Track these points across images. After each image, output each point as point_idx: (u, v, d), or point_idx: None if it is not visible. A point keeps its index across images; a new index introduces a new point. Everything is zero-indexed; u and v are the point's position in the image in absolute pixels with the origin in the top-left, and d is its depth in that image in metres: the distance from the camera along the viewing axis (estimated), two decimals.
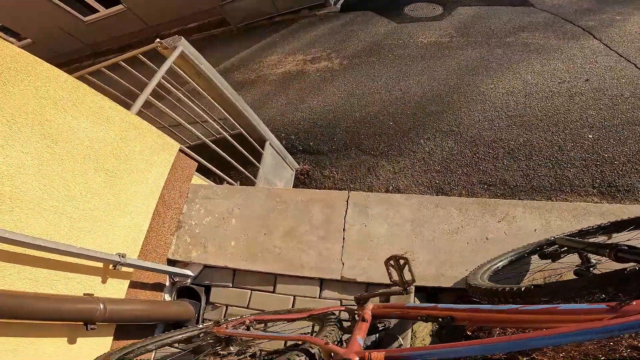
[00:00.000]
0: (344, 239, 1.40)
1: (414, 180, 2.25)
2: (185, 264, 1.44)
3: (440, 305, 0.72)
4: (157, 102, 1.59)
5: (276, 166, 2.47)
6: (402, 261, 0.76)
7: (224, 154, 1.83)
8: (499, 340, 0.56)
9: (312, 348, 0.80)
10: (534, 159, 2.18)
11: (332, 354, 0.73)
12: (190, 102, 1.82)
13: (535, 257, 1.26)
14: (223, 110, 2.02)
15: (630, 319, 0.51)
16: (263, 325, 1.14)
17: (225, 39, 4.92)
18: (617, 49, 2.81)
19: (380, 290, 0.82)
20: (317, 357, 0.79)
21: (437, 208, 1.69)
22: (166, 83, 1.60)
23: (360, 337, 0.76)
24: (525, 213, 1.67)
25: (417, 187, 2.21)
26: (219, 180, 2.00)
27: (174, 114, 1.66)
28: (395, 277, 0.78)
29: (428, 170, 2.27)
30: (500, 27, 3.38)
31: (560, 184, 2.03)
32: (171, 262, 1.43)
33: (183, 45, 1.69)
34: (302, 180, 2.58)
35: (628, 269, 0.73)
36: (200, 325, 1.14)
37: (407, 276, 0.76)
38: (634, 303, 0.55)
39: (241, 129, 2.08)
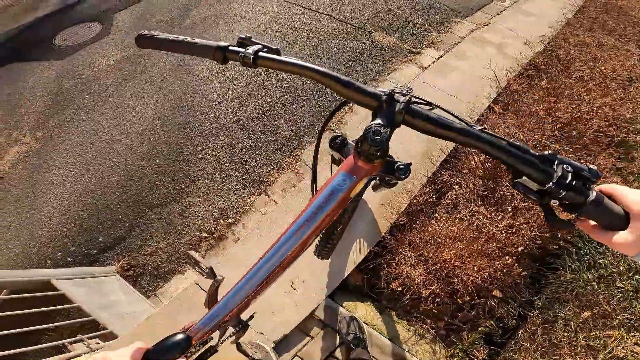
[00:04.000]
0: None
1: (226, 192, 2.17)
2: None
3: None
4: None
5: (94, 288, 1.83)
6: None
7: None
8: None
9: None
10: (291, 106, 2.50)
11: None
12: None
13: None
14: None
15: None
16: None
17: None
18: None
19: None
20: None
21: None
22: None
23: None
24: None
25: (234, 195, 2.15)
26: None
27: None
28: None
29: (229, 175, 2.23)
30: (169, 15, 3.32)
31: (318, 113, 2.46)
32: None
33: None
34: (134, 274, 2.03)
35: None
36: None
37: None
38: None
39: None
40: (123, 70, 2.94)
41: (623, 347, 1.34)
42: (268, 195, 2.14)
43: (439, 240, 1.55)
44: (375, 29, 3.15)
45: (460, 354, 1.44)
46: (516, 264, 1.48)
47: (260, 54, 0.68)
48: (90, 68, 3.02)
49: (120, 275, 2.08)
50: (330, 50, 2.91)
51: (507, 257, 1.46)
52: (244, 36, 0.72)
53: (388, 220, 1.81)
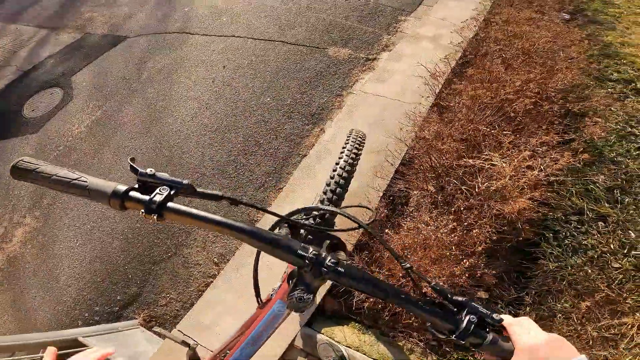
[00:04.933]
0: None
1: (221, 238, 2.38)
2: None
3: None
4: None
5: (120, 341, 2.07)
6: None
7: None
8: None
9: None
10: (264, 141, 2.69)
11: None
12: None
13: None
14: None
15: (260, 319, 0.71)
16: None
17: None
18: (209, 32, 3.45)
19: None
20: None
21: None
22: None
23: None
24: None
25: (228, 239, 2.37)
26: None
27: None
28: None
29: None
30: (125, 71, 3.41)
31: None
32: None
33: None
34: (156, 324, 2.25)
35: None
36: None
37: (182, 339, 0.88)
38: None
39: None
40: (97, 135, 3.07)
41: None
42: None
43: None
44: (329, 44, 3.31)
45: None
46: (483, 265, 1.46)
47: (170, 204, 0.55)
48: (65, 138, 3.14)
49: (144, 327, 2.32)
50: (290, 76, 3.07)
51: (464, 261, 1.42)
52: (146, 171, 0.57)
53: (350, 242, 1.88)
